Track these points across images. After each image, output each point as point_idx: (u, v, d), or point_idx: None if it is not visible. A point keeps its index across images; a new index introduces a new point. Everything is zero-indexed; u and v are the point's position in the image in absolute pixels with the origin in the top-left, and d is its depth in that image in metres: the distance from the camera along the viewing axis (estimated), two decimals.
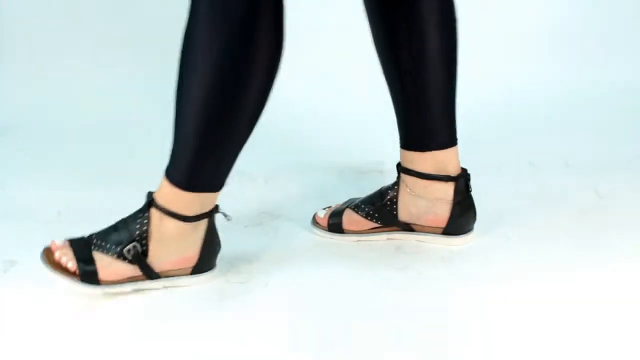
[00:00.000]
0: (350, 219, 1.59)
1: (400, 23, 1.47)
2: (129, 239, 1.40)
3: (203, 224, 1.43)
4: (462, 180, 1.53)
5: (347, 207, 1.61)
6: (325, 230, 1.61)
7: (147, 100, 2.36)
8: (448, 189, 1.53)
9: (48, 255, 1.41)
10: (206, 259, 1.45)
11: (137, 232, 1.40)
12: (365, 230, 1.59)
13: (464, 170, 1.54)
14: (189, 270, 1.45)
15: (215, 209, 1.44)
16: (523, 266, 1.48)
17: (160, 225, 1.40)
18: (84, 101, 2.40)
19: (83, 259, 1.39)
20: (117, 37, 2.50)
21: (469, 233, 1.57)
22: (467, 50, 2.49)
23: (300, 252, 1.56)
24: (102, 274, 1.39)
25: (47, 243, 1.58)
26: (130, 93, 2.41)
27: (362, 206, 1.59)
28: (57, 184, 1.93)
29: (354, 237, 1.59)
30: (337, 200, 1.66)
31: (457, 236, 1.56)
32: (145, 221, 1.40)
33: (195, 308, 1.40)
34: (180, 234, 1.41)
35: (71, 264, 1.39)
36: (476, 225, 1.58)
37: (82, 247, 1.40)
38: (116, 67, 2.48)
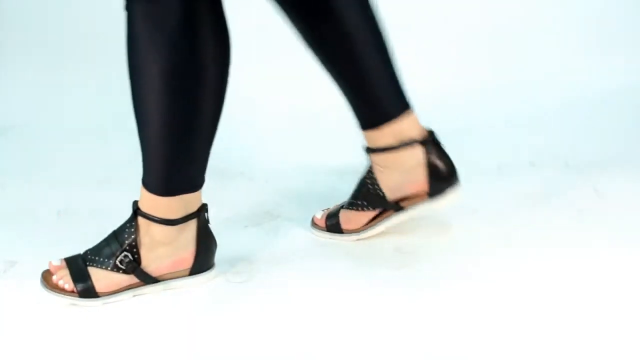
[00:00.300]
0: (347, 217, 1.59)
1: (315, 16, 1.45)
2: (120, 249, 1.40)
3: (192, 224, 1.43)
4: (429, 143, 1.52)
5: (341, 207, 1.61)
6: (324, 231, 1.61)
7: None
8: (417, 153, 1.52)
9: (47, 277, 1.42)
10: (203, 259, 1.45)
11: (127, 242, 1.41)
12: (363, 226, 1.59)
13: (429, 132, 1.53)
14: (187, 272, 1.45)
15: (203, 208, 1.44)
16: (523, 266, 1.48)
17: (148, 232, 1.41)
18: (84, 101, 2.40)
19: (79, 277, 1.40)
20: (118, 36, 2.50)
21: (455, 187, 1.55)
22: (466, 50, 2.50)
23: (300, 252, 1.56)
24: (99, 287, 1.40)
25: (47, 243, 1.59)
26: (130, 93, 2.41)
27: (352, 201, 1.59)
28: (57, 184, 1.93)
29: (354, 237, 1.59)
30: (337, 200, 1.66)
31: (445, 194, 1.55)
32: (133, 229, 1.41)
33: (196, 308, 1.40)
34: (170, 237, 1.42)
35: (68, 285, 1.40)
36: (476, 224, 1.58)
37: (78, 266, 1.42)
38: (117, 67, 2.47)
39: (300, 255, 1.55)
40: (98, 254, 1.42)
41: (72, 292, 1.40)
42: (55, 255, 1.46)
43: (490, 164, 1.94)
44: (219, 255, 1.49)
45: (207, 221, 1.45)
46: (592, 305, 1.36)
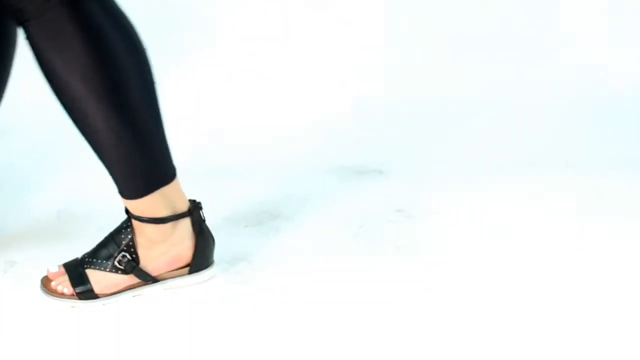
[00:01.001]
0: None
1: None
2: (117, 250, 1.41)
3: (186, 221, 1.43)
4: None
5: None
6: None
7: None
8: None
9: (46, 283, 1.43)
10: (201, 256, 1.45)
11: (124, 243, 1.41)
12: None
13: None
14: (186, 271, 1.45)
15: (197, 206, 1.44)
16: (523, 266, 1.49)
17: (142, 232, 1.42)
18: None
19: (78, 281, 1.41)
20: None
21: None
22: (466, 50, 2.50)
23: (300, 252, 1.56)
24: (98, 288, 1.41)
25: (47, 243, 1.58)
26: None
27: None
28: (57, 184, 1.93)
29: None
30: (336, 201, 1.66)
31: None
32: (129, 230, 1.41)
33: (195, 308, 1.40)
34: (164, 235, 1.42)
35: (67, 289, 1.41)
36: (476, 224, 1.58)
37: (76, 270, 1.42)
38: None
39: (300, 255, 1.55)
40: (96, 256, 1.42)
41: (72, 295, 1.40)
42: (54, 256, 1.46)
43: (490, 164, 1.94)
44: (218, 255, 1.49)
45: (203, 219, 1.45)
46: (592, 305, 1.36)
